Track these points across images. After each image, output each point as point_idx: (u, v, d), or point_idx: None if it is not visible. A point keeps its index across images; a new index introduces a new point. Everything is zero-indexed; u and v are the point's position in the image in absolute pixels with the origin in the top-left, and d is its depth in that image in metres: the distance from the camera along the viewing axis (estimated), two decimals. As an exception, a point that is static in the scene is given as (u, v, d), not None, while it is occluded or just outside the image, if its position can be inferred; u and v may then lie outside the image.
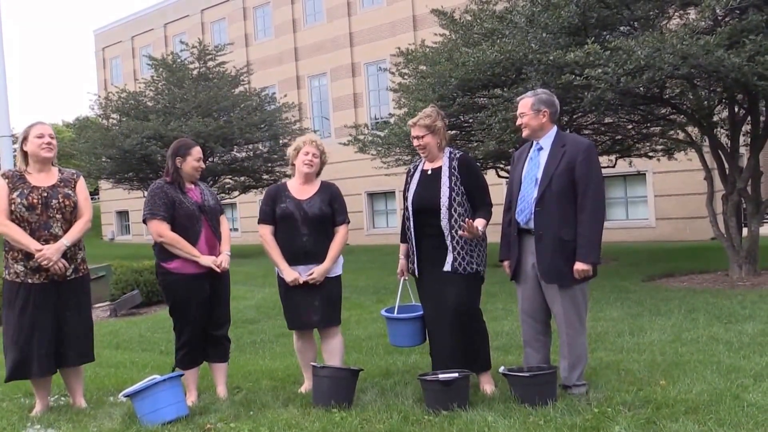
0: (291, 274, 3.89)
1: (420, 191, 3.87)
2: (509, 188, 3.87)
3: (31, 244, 3.65)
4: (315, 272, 3.89)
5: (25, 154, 3.83)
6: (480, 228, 3.69)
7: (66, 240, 3.73)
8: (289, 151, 4.13)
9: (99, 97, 20.21)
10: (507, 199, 3.85)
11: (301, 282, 3.89)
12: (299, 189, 4.03)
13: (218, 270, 3.87)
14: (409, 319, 3.96)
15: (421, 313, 3.91)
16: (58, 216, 3.75)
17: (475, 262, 3.75)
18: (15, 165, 4.02)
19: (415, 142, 3.90)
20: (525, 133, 3.76)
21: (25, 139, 3.81)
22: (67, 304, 3.78)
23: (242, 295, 9.00)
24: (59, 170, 3.91)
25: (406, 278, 4.04)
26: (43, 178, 3.80)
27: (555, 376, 3.54)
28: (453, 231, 3.71)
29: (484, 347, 3.83)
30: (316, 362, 3.90)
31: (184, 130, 15.64)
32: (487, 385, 3.79)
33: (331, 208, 3.99)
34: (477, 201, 3.81)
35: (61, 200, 3.77)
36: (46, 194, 3.74)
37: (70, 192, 3.83)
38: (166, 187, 3.91)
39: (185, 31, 26.79)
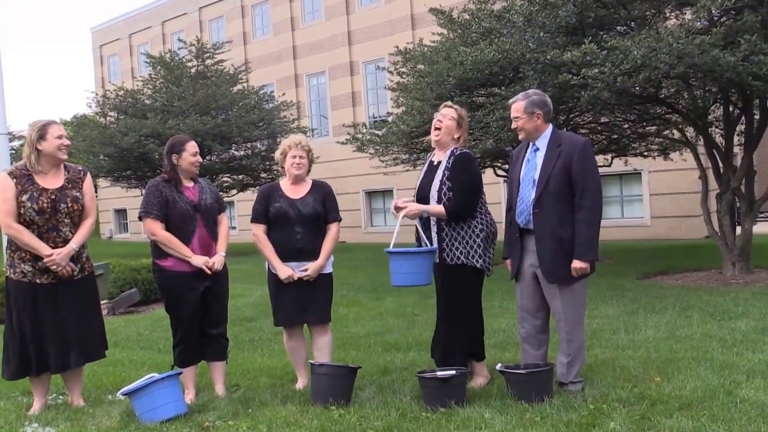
0: (285, 271, 3.92)
1: (423, 180, 3.96)
2: (509, 188, 3.94)
3: (42, 248, 3.63)
4: (310, 269, 3.93)
5: (38, 153, 3.69)
6: (413, 210, 3.73)
7: (74, 243, 3.72)
8: (277, 155, 4.16)
9: (96, 95, 20.13)
10: (508, 198, 3.90)
11: (295, 279, 3.92)
12: (292, 189, 4.07)
13: (209, 272, 3.87)
14: (414, 253, 3.70)
15: (428, 248, 3.76)
16: (66, 220, 3.72)
17: (462, 255, 3.75)
18: (11, 163, 3.96)
19: (436, 124, 3.90)
20: (521, 136, 3.80)
21: (41, 137, 3.68)
22: (74, 303, 3.77)
23: (240, 293, 9.00)
24: (65, 167, 3.82)
25: (401, 216, 3.85)
26: (51, 179, 3.73)
27: (551, 373, 3.58)
28: (443, 223, 3.77)
29: (476, 338, 3.89)
30: (312, 360, 3.92)
31: (182, 128, 15.60)
32: (481, 377, 3.85)
33: (323, 207, 4.04)
34: (455, 197, 3.76)
35: (69, 204, 3.72)
36: (54, 197, 3.69)
37: (78, 195, 3.78)
38: (162, 185, 3.93)
39: (183, 28, 26.73)
